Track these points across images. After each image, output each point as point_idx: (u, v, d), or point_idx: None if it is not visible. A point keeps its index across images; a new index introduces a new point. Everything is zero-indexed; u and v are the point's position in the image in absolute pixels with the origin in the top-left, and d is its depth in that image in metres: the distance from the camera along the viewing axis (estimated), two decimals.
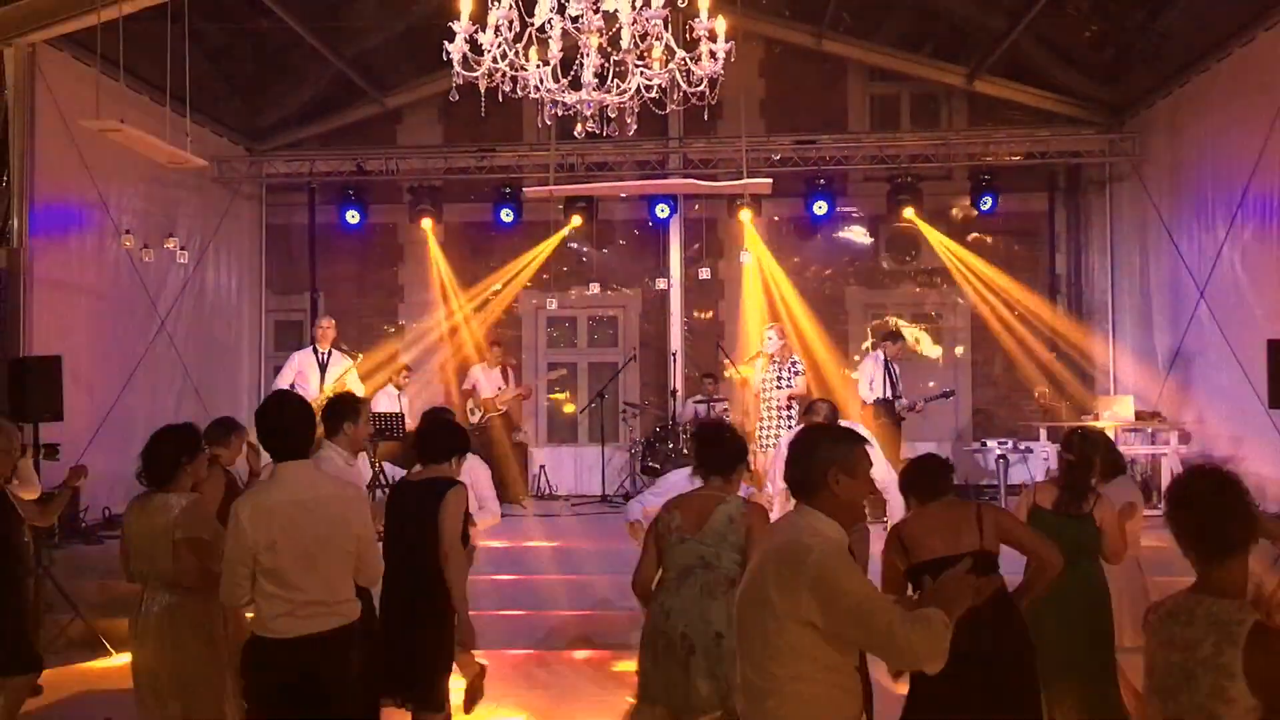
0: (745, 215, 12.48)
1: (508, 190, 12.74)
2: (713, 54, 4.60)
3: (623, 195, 13.08)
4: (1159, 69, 11.23)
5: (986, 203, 12.39)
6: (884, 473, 6.65)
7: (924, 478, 4.61)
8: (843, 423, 6.62)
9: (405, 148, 13.63)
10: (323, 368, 10.59)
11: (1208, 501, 2.72)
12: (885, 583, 4.40)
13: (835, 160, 12.58)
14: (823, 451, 3.11)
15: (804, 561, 2.87)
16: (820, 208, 12.55)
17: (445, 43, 4.46)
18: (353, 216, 13.03)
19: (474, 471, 6.41)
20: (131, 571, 4.60)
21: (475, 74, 4.46)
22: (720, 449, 4.59)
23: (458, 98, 4.62)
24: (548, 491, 13.05)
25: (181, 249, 9.03)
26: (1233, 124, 9.91)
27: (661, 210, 12.76)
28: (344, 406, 5.37)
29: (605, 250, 13.88)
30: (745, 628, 3.06)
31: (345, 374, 10.59)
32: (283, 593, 3.81)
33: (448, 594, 4.81)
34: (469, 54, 4.48)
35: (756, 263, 13.17)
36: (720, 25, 4.60)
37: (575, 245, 13.78)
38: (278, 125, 13.41)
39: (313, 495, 3.90)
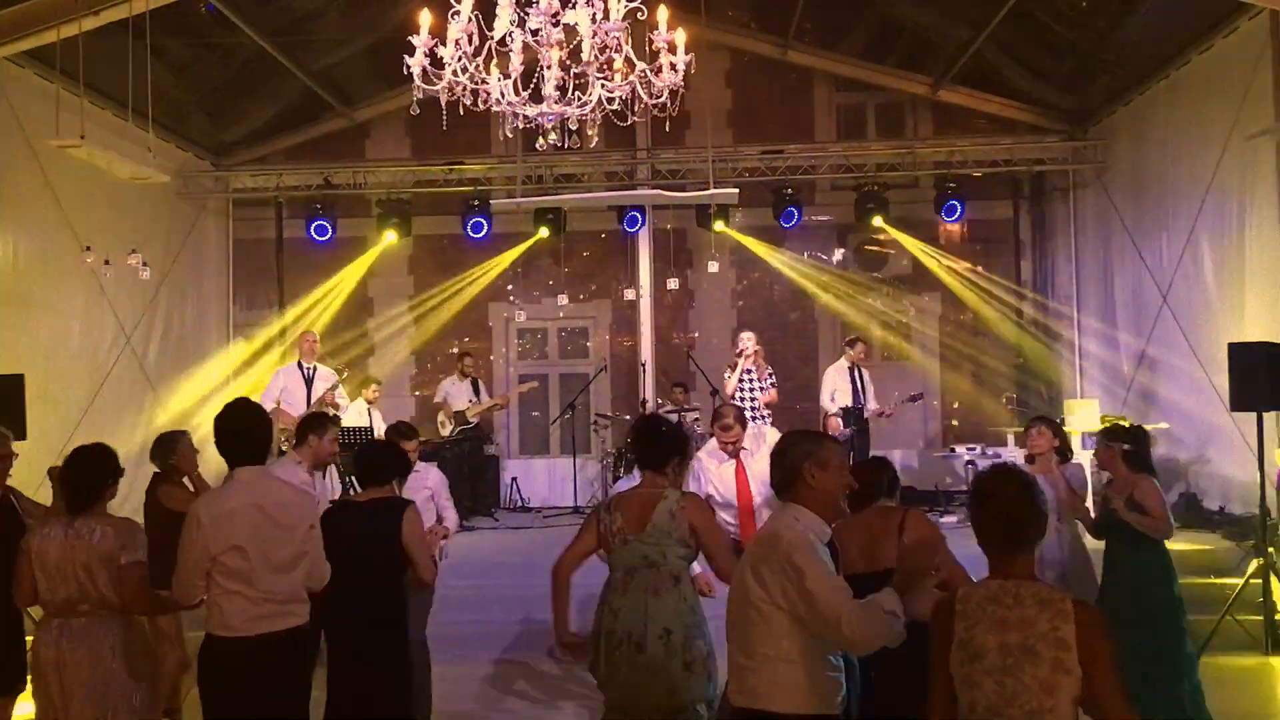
0: (718, 225, 12.51)
1: (476, 202, 12.72)
2: (673, 66, 4.63)
3: (596, 203, 13.06)
4: (1120, 77, 11.38)
5: (953, 210, 12.48)
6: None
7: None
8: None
9: (373, 161, 13.60)
10: (308, 382, 10.53)
11: (1011, 500, 2.97)
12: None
13: (802, 170, 12.66)
14: (796, 449, 3.43)
15: (776, 548, 3.21)
16: (788, 217, 12.59)
17: (405, 57, 4.48)
18: (321, 230, 12.95)
19: (433, 483, 6.44)
20: (42, 596, 4.37)
21: (436, 88, 4.48)
22: (653, 443, 4.62)
23: (419, 111, 4.63)
24: (520, 503, 13.01)
25: (144, 265, 8.97)
26: (1192, 130, 10.06)
27: (631, 222, 12.78)
28: (312, 420, 6.00)
29: (575, 262, 13.88)
30: (733, 613, 3.36)
31: (332, 389, 10.54)
32: (246, 590, 3.94)
33: (404, 616, 4.99)
34: (430, 68, 4.49)
35: (725, 272, 13.23)
36: (680, 37, 4.62)
37: (544, 257, 13.78)
38: (245, 139, 13.35)
39: (272, 499, 4.04)
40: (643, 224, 12.91)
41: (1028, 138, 12.80)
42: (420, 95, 4.53)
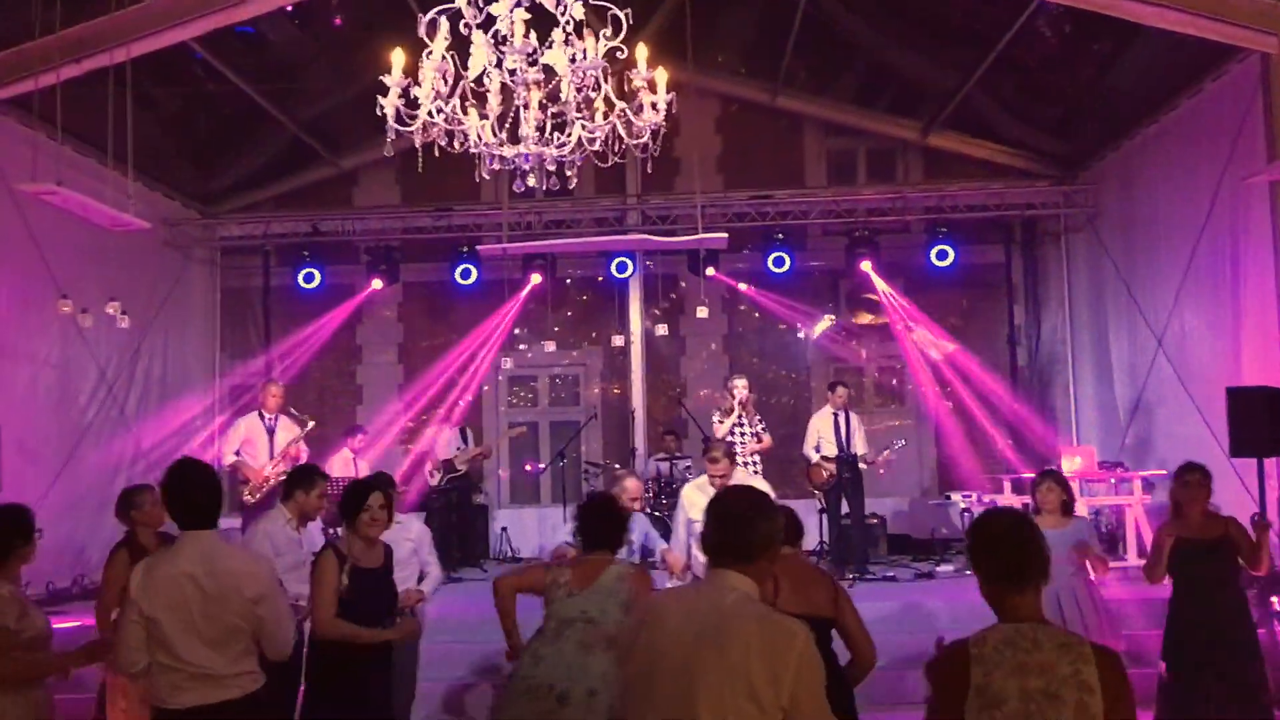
0: (709, 271, 12.40)
1: (465, 249, 12.62)
2: (654, 105, 4.52)
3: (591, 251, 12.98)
4: (1110, 122, 11.36)
5: (945, 255, 12.35)
6: None
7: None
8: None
9: (362, 208, 13.53)
10: (270, 433, 10.20)
11: (1011, 540, 2.94)
12: None
13: (793, 215, 12.59)
14: (776, 522, 3.07)
15: (791, 646, 2.82)
16: (779, 262, 12.48)
17: (379, 98, 4.38)
18: (309, 279, 12.84)
19: (416, 535, 6.26)
20: None
21: (410, 128, 4.37)
22: (607, 525, 4.71)
23: (392, 154, 4.52)
24: (510, 554, 12.79)
25: (123, 314, 8.81)
26: (1184, 174, 10.00)
27: (621, 268, 12.69)
28: (300, 475, 5.90)
29: (565, 309, 13.78)
30: (710, 700, 2.81)
31: (295, 441, 10.19)
32: (172, 663, 3.79)
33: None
34: (404, 109, 4.39)
35: (717, 318, 13.12)
36: (661, 76, 4.53)
37: (535, 304, 13.64)
38: (232, 188, 13.28)
39: (207, 568, 3.84)
40: (633, 270, 12.83)
41: (1018, 182, 12.74)
42: (393, 136, 4.43)
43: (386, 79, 4.33)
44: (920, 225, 12.92)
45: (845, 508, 10.50)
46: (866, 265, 12.48)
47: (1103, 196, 12.03)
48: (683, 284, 13.54)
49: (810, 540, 11.24)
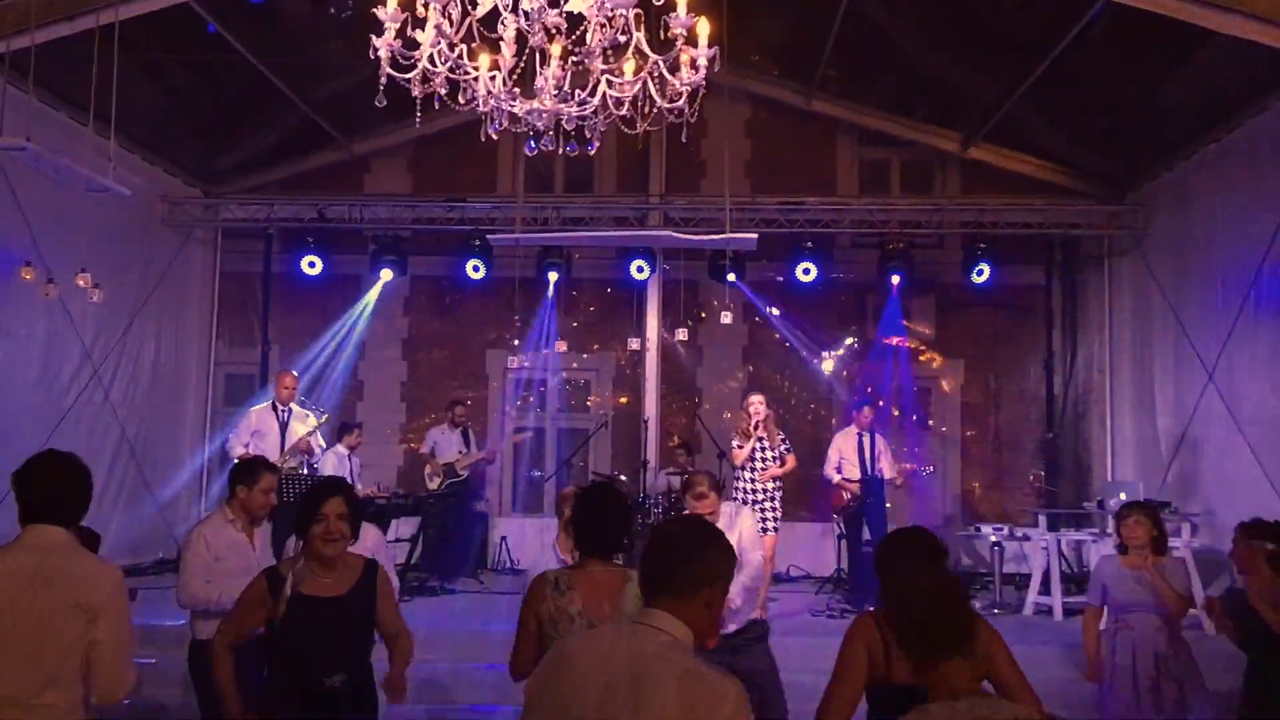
0: (731, 277, 11.75)
1: (477, 243, 12.03)
2: (693, 63, 3.90)
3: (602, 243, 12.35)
4: (1162, 141, 10.72)
5: (981, 273, 11.73)
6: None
7: (905, 555, 3.62)
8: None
9: (370, 195, 12.95)
10: (283, 426, 9.70)
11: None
12: (844, 671, 3.56)
13: (823, 223, 11.96)
14: (718, 553, 2.63)
15: (718, 708, 2.40)
16: (807, 272, 11.86)
17: (372, 38, 3.79)
18: (312, 266, 12.25)
19: (371, 545, 5.48)
20: None
21: (408, 76, 3.78)
22: (614, 524, 3.85)
23: (385, 103, 3.92)
24: (509, 565, 12.17)
25: (95, 286, 8.24)
26: (1245, 198, 9.35)
27: (639, 270, 12.08)
28: (239, 470, 5.24)
29: (579, 312, 13.17)
30: None
31: (310, 433, 9.71)
32: None
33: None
34: (400, 53, 3.79)
35: (737, 328, 12.52)
36: (703, 27, 3.89)
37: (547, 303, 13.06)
38: (237, 168, 12.72)
39: (40, 560, 3.18)
40: (652, 273, 12.22)
41: (1061, 200, 12.08)
42: (384, 82, 3.83)
43: (380, 12, 3.73)
44: (956, 241, 12.27)
45: (867, 534, 9.86)
46: (896, 280, 11.84)
47: (1153, 219, 11.38)
48: (703, 292, 12.91)
49: (828, 566, 10.70)
